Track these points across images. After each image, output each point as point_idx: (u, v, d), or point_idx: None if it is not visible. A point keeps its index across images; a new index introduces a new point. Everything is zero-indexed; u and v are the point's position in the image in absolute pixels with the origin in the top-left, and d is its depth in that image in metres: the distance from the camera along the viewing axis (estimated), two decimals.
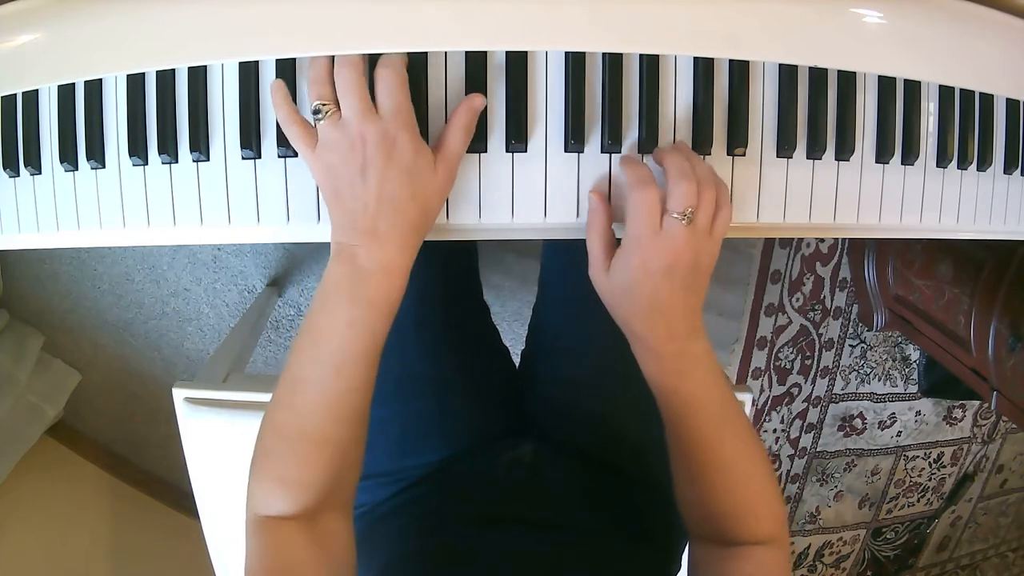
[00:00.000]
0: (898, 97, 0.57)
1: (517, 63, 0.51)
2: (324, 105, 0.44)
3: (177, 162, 0.52)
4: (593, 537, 0.60)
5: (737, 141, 0.54)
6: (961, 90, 0.58)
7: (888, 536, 2.04)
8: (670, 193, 0.47)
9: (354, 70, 0.44)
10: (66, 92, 0.53)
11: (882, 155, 0.57)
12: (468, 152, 0.52)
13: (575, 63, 0.51)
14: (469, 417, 0.72)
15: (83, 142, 0.53)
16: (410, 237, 0.46)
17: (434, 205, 0.47)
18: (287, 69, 0.51)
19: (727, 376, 0.91)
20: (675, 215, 0.47)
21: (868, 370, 1.76)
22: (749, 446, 0.53)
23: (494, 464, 0.68)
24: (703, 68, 0.53)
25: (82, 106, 0.53)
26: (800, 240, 1.56)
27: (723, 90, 0.53)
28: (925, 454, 1.93)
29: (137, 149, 0.52)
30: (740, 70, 0.53)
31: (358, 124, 0.44)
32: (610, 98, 0.52)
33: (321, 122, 0.45)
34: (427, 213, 0.47)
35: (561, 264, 0.78)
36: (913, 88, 0.57)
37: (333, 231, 0.46)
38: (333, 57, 0.47)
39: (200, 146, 0.52)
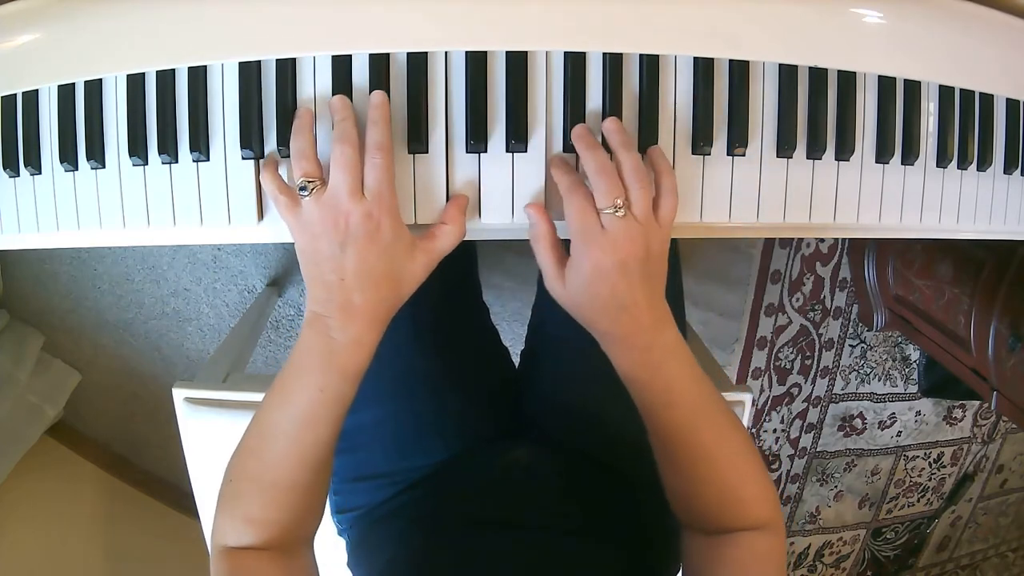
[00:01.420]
0: (898, 97, 0.57)
1: (517, 63, 0.51)
2: (310, 182, 0.46)
3: (177, 162, 0.52)
4: (590, 539, 0.60)
5: (737, 141, 0.54)
6: (961, 90, 0.58)
7: (888, 536, 2.04)
8: (594, 192, 0.48)
9: (353, 148, 0.46)
10: (66, 92, 0.53)
11: (882, 155, 0.57)
12: (468, 153, 0.52)
13: (575, 63, 0.51)
14: (467, 418, 0.72)
15: (83, 142, 0.53)
16: (381, 313, 0.48)
17: (407, 287, 0.49)
18: (287, 69, 0.51)
19: (722, 374, 0.91)
20: (607, 211, 0.47)
21: (868, 370, 1.76)
22: (730, 433, 0.52)
23: (492, 466, 0.68)
24: (703, 68, 0.53)
25: (82, 106, 0.53)
26: (800, 240, 1.56)
27: (723, 90, 0.53)
28: (925, 454, 1.93)
29: (137, 149, 0.52)
30: (740, 70, 0.53)
31: (346, 201, 0.45)
32: (610, 98, 0.52)
33: (307, 198, 0.46)
34: (399, 292, 0.49)
35: None
36: (913, 88, 0.57)
37: (309, 300, 0.48)
38: (315, 131, 0.49)
39: (200, 146, 0.52)
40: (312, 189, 0.46)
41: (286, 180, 0.50)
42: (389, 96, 0.51)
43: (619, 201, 0.47)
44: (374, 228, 0.46)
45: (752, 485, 0.52)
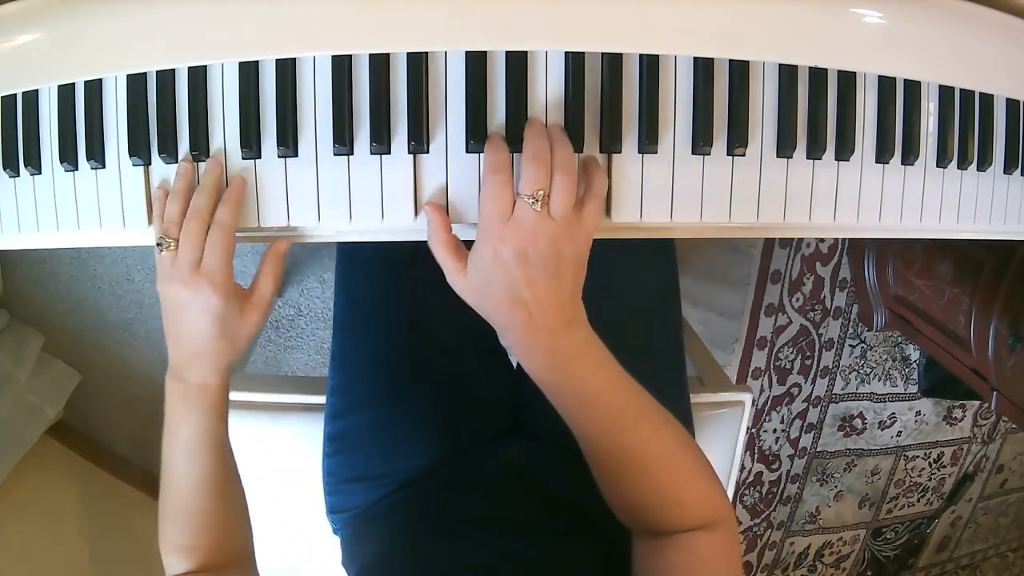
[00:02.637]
0: (898, 97, 0.57)
1: (517, 63, 0.51)
2: (165, 240, 0.51)
3: (177, 162, 0.52)
4: (584, 539, 0.60)
5: (737, 141, 0.54)
6: (961, 90, 0.58)
7: (888, 536, 2.04)
8: (521, 175, 0.46)
9: (199, 226, 0.50)
10: (66, 92, 0.53)
11: (882, 155, 0.57)
12: (468, 153, 0.52)
13: (575, 63, 0.51)
14: (463, 419, 0.72)
15: (83, 142, 0.53)
16: (221, 363, 0.54)
17: (243, 341, 0.55)
18: (287, 69, 0.51)
19: (722, 374, 0.91)
20: (525, 198, 0.46)
21: (868, 370, 1.76)
22: (662, 435, 0.50)
23: (487, 466, 0.68)
24: (703, 68, 0.53)
25: (82, 106, 0.53)
26: (800, 240, 1.56)
27: (723, 90, 0.53)
28: (925, 454, 1.93)
29: (137, 149, 0.52)
30: (740, 70, 0.53)
31: (185, 272, 0.50)
32: (610, 98, 0.52)
33: (163, 253, 0.51)
34: (236, 345, 0.54)
35: None
36: (913, 88, 0.57)
37: (168, 349, 0.54)
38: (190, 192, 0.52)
39: (200, 146, 0.52)
40: (167, 247, 0.50)
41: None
42: (389, 95, 0.51)
43: (540, 193, 0.46)
44: (204, 301, 0.50)
45: (691, 486, 0.50)
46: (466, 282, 0.49)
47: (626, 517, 0.53)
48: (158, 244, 0.50)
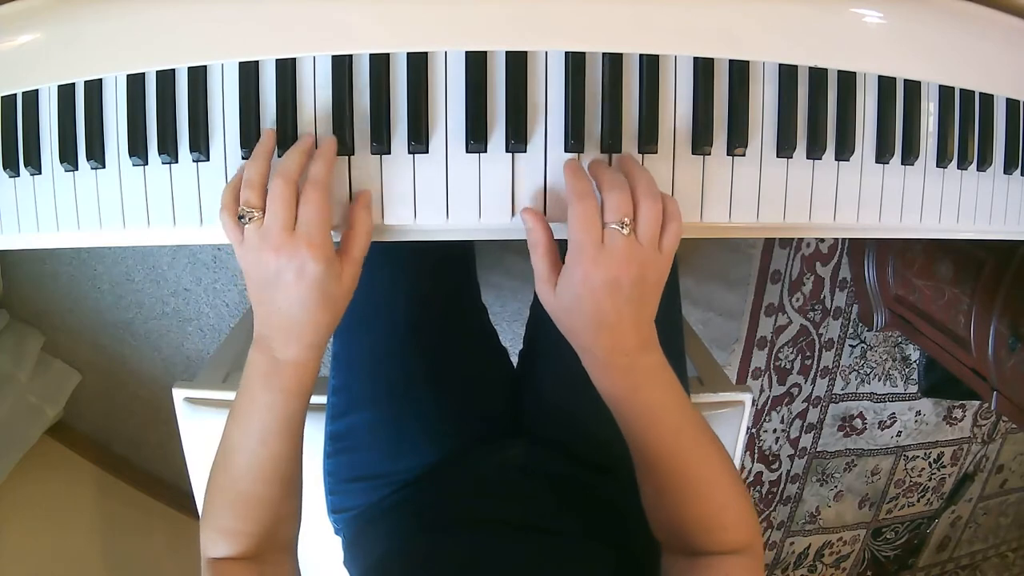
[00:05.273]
0: (898, 97, 0.57)
1: (517, 63, 0.51)
2: (249, 211, 0.47)
3: (177, 162, 0.52)
4: (577, 540, 0.60)
5: (737, 141, 0.54)
6: (961, 90, 0.58)
7: (888, 536, 2.04)
8: (604, 204, 0.47)
9: (287, 186, 0.46)
10: (66, 92, 0.53)
11: (882, 155, 0.57)
12: (468, 153, 0.52)
13: (575, 63, 0.51)
14: (465, 419, 0.72)
15: (83, 142, 0.53)
16: (319, 336, 0.50)
17: (341, 306, 0.51)
18: (287, 69, 0.51)
19: (722, 374, 0.91)
20: (613, 226, 0.46)
21: (868, 370, 1.76)
22: (712, 457, 0.52)
23: (488, 465, 0.69)
24: (703, 68, 0.53)
25: (82, 106, 0.53)
26: (800, 240, 1.56)
27: (723, 90, 0.53)
28: (925, 454, 1.93)
29: (137, 149, 0.52)
30: (740, 70, 0.53)
31: (276, 237, 0.46)
32: (610, 98, 0.52)
33: (247, 225, 0.47)
34: (334, 313, 0.50)
35: None
36: (913, 88, 0.57)
37: (255, 320, 0.50)
38: (273, 158, 0.50)
39: (200, 146, 0.52)
40: (251, 218, 0.47)
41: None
42: (389, 96, 0.51)
43: (627, 219, 0.46)
44: (300, 266, 0.46)
45: (733, 510, 0.52)
46: (554, 299, 0.50)
47: (665, 533, 0.54)
48: (240, 217, 0.47)
